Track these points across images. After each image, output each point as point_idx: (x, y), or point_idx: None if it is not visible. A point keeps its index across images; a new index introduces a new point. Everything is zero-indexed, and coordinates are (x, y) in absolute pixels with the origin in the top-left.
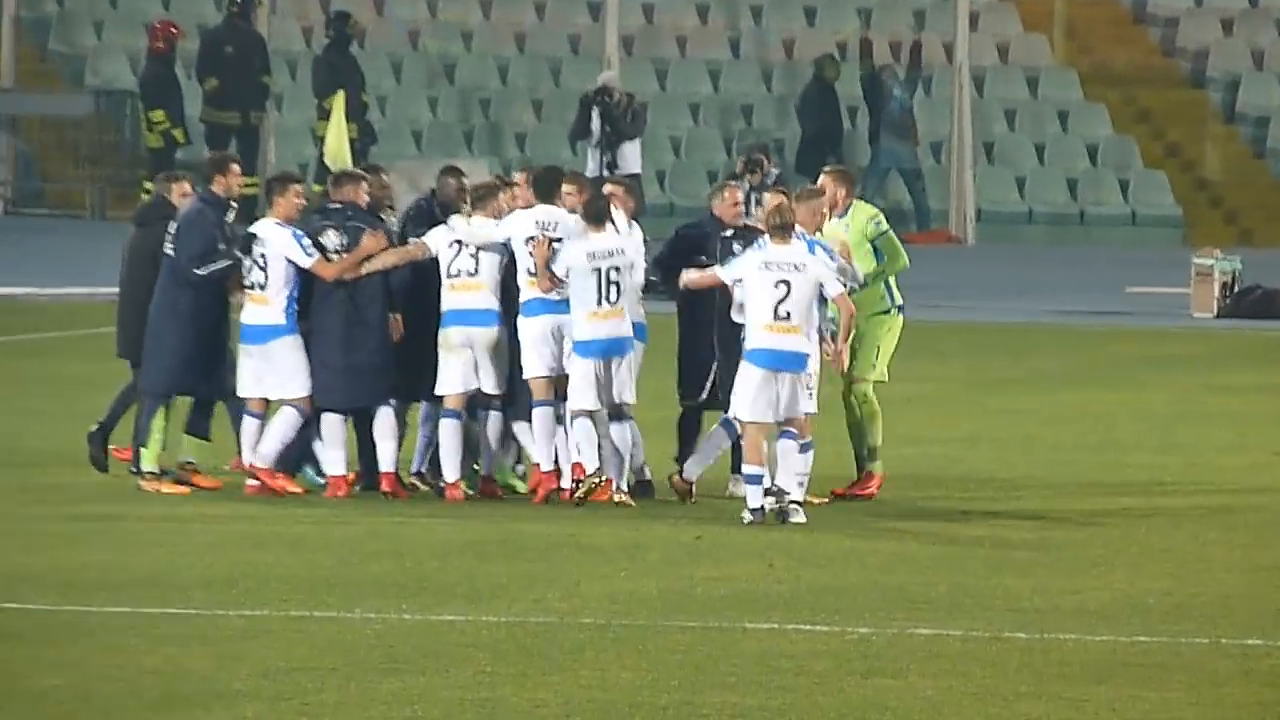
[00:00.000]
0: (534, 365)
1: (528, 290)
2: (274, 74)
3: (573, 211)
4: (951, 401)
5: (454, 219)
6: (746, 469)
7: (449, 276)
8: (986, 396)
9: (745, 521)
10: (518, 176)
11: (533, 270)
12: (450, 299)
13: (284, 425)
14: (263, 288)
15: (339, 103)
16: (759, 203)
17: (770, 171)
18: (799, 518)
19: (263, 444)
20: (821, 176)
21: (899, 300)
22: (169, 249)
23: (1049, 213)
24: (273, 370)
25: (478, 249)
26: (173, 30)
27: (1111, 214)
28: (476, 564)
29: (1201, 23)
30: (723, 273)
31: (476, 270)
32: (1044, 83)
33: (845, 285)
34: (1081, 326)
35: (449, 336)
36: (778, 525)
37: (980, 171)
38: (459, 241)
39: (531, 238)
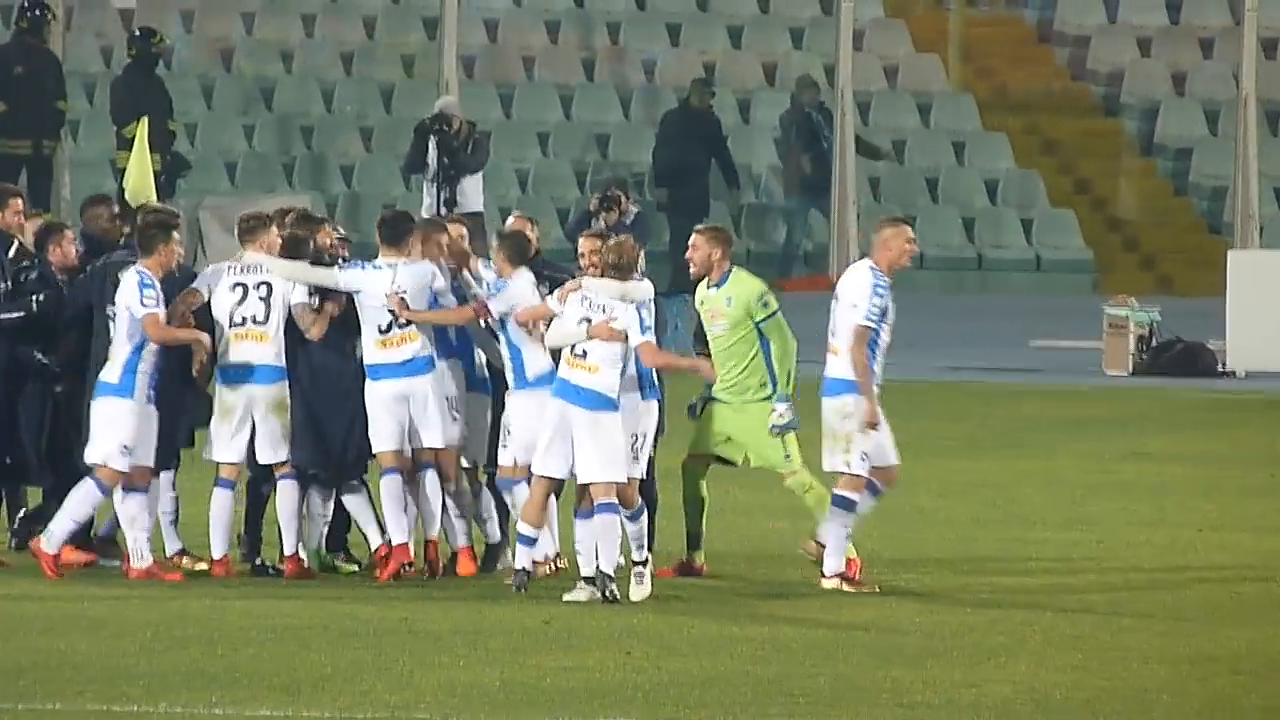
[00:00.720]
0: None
1: (374, 352)
2: (69, 98)
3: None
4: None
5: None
6: (522, 528)
7: (231, 325)
8: None
9: (512, 588)
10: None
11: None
12: (232, 351)
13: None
14: (260, 323)
15: (142, 130)
16: None
17: (629, 209)
18: (642, 588)
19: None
20: (693, 236)
21: (787, 385)
22: None
23: (942, 256)
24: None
25: (269, 293)
26: None
27: (1013, 258)
28: (297, 651)
29: (1115, 43)
30: (550, 301)
31: (266, 318)
32: (937, 109)
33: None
34: (980, 384)
35: (223, 397)
36: (629, 607)
37: (864, 209)
38: (242, 284)
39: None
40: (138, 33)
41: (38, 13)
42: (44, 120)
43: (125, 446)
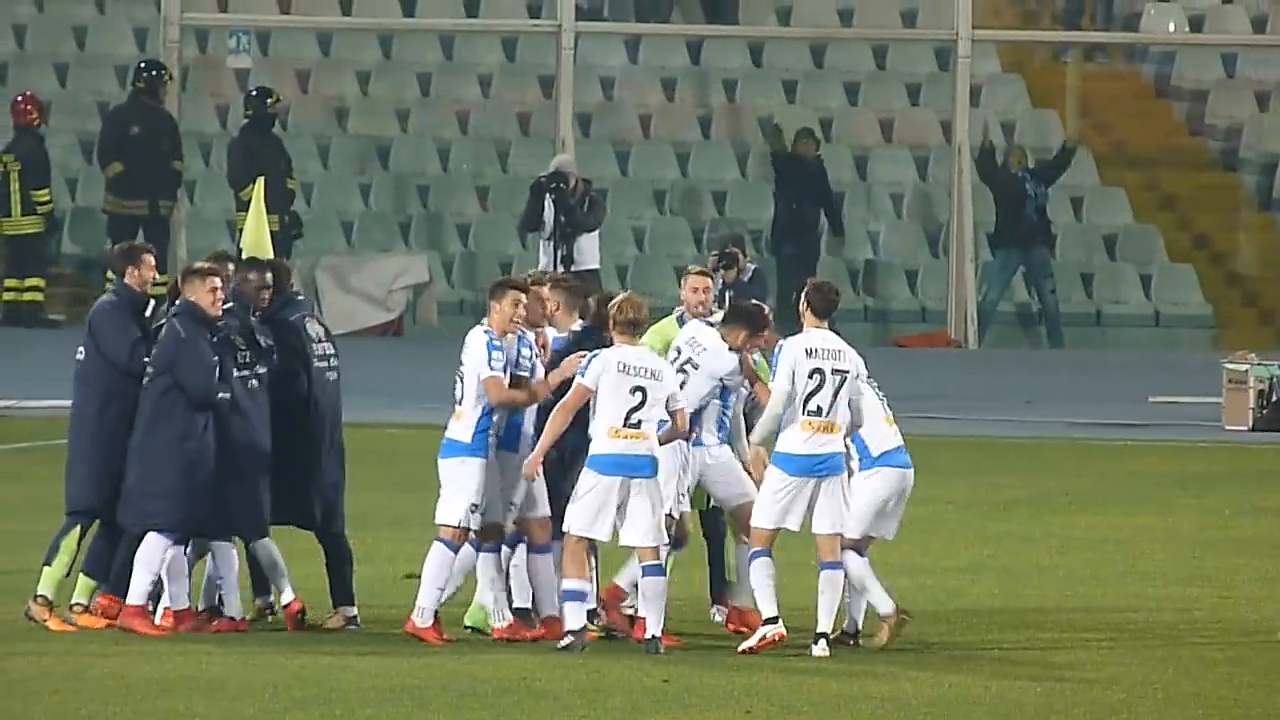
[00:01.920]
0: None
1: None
2: (185, 158)
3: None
4: (951, 526)
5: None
6: (568, 584)
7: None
8: (991, 520)
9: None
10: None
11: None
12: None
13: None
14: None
15: (258, 191)
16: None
17: (746, 266)
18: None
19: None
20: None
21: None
22: (80, 352)
23: (1062, 311)
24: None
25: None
26: (37, 101)
27: (1132, 313)
28: (415, 711)
29: (1234, 96)
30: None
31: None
32: (1057, 165)
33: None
34: (1098, 440)
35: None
36: (757, 667)
37: (982, 265)
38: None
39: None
40: (254, 92)
41: (154, 73)
42: (160, 180)
43: (474, 505)
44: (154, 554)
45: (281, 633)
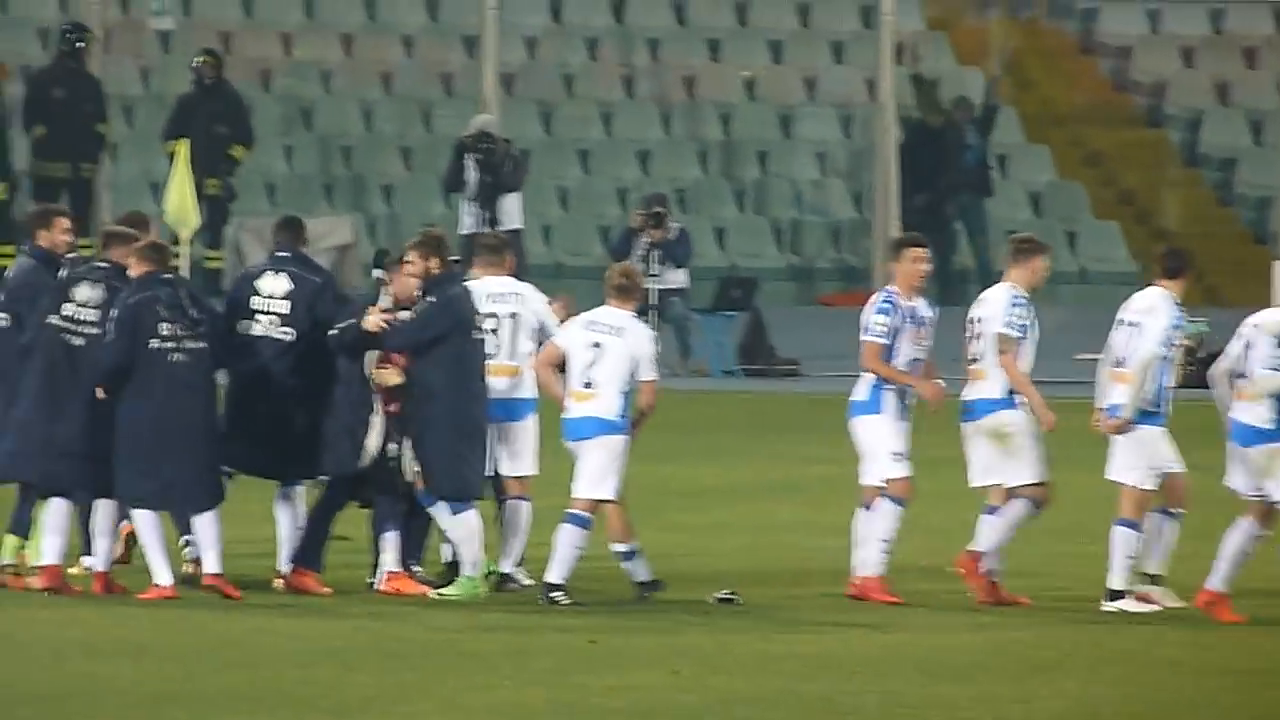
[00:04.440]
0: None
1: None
2: (110, 121)
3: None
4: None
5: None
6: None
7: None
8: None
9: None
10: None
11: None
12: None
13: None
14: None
15: (183, 154)
16: (662, 261)
17: (671, 226)
18: None
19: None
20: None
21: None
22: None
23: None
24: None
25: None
26: None
27: (1058, 270)
28: (342, 673)
29: (1158, 53)
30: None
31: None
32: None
33: None
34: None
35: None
36: (685, 628)
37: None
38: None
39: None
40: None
41: (77, 36)
42: (84, 143)
43: (895, 453)
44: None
45: (208, 598)
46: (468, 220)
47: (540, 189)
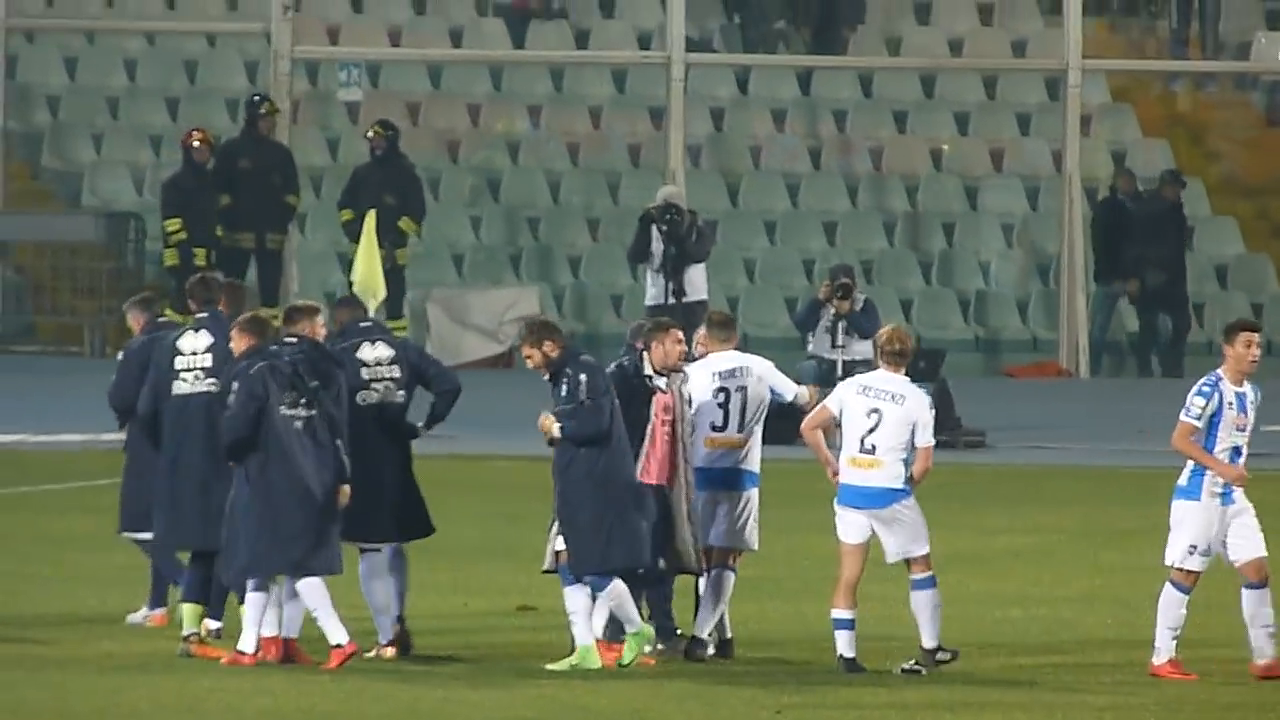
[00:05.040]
0: None
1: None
2: (299, 192)
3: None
4: (1063, 555)
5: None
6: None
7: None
8: (1104, 550)
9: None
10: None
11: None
12: None
13: None
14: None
15: (370, 223)
16: (848, 332)
17: (858, 298)
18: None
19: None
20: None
21: None
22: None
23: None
24: None
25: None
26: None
27: None
28: None
29: None
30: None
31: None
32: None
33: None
34: None
35: None
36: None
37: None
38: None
39: None
40: (380, 125)
41: (260, 106)
42: (270, 213)
43: (1191, 546)
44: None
45: (388, 665)
46: (652, 291)
47: (727, 260)
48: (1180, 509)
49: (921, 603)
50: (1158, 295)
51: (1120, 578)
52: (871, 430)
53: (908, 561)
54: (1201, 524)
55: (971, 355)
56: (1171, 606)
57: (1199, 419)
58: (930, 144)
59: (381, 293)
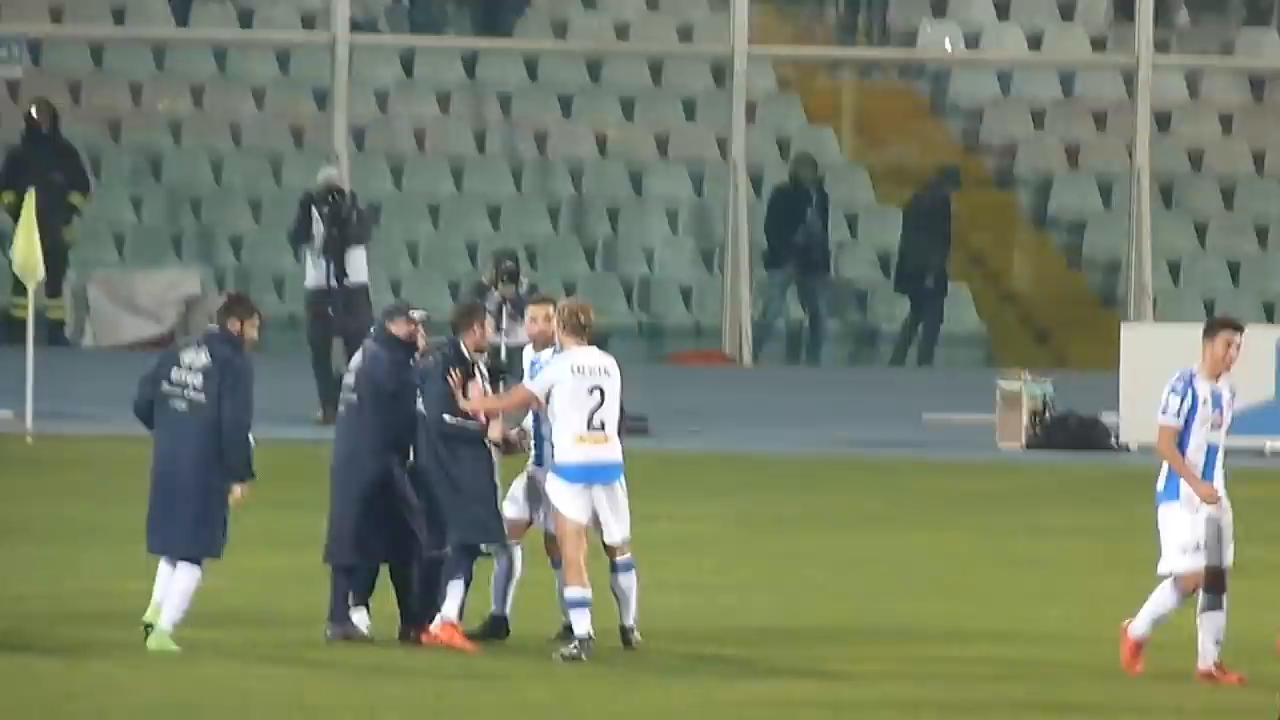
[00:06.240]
0: None
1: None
2: None
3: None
4: (723, 543)
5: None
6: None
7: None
8: (763, 538)
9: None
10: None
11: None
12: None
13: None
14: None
15: (29, 202)
16: (512, 316)
17: (523, 282)
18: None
19: None
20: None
21: None
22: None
23: (837, 330)
24: None
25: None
26: None
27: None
28: None
29: (1009, 115)
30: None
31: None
32: (832, 181)
33: None
34: (871, 458)
35: None
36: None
37: (757, 282)
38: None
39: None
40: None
41: None
42: None
43: (1183, 546)
44: None
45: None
46: (313, 273)
47: (390, 243)
48: (1163, 513)
49: (627, 584)
50: (819, 283)
51: (780, 565)
52: (598, 408)
53: (611, 546)
54: (1187, 523)
55: (636, 341)
56: (1211, 618)
57: (1177, 417)
58: (595, 129)
59: (41, 273)
